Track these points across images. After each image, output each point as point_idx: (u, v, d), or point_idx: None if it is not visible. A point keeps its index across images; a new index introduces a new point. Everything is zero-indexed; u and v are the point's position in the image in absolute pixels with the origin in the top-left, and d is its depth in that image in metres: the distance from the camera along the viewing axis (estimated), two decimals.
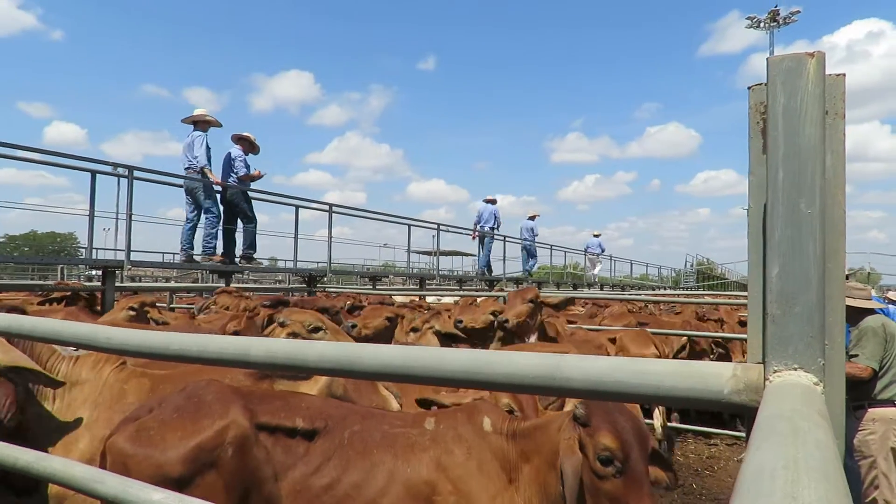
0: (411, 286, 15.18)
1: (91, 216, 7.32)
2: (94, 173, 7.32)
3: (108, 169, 7.57)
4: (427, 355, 1.03)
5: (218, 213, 8.79)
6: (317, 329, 3.40)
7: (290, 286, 11.27)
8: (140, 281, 17.05)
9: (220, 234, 8.88)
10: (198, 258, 8.87)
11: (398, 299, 9.22)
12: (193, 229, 8.76)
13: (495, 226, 16.16)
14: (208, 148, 8.61)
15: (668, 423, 7.10)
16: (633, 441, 1.95)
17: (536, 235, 18.51)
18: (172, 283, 14.93)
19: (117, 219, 7.68)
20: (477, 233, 15.83)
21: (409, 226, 13.46)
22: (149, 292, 7.90)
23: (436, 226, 14.69)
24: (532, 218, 18.63)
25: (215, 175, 8.81)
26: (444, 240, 15.10)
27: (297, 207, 10.32)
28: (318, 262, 11.83)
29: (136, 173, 7.46)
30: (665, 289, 28.53)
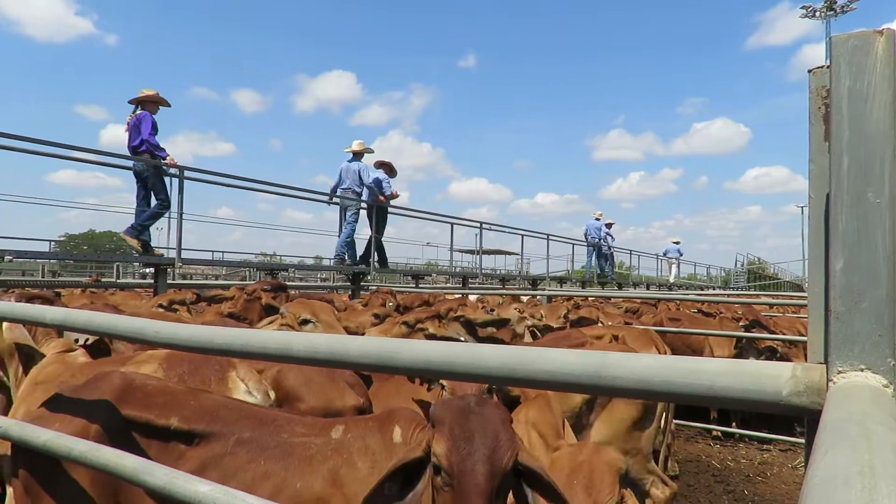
0: (454, 285, 15.19)
1: None
2: None
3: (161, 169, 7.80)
4: (468, 352, 1.01)
5: (354, 228, 10.57)
6: (306, 321, 3.35)
7: (335, 284, 11.41)
8: (191, 278, 17.57)
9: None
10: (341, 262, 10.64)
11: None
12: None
13: (600, 238, 19.44)
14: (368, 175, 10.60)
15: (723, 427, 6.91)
16: (469, 452, 1.62)
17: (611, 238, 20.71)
18: (221, 281, 15.33)
19: (169, 218, 7.90)
20: (588, 244, 19.23)
21: (452, 224, 13.45)
22: (200, 289, 8.13)
23: (478, 224, 14.66)
24: (598, 218, 20.35)
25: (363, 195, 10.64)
26: (486, 238, 15.07)
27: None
28: None
29: (186, 173, 7.68)
30: (714, 289, 27.78)
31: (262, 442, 1.90)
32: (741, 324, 6.93)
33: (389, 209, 11.32)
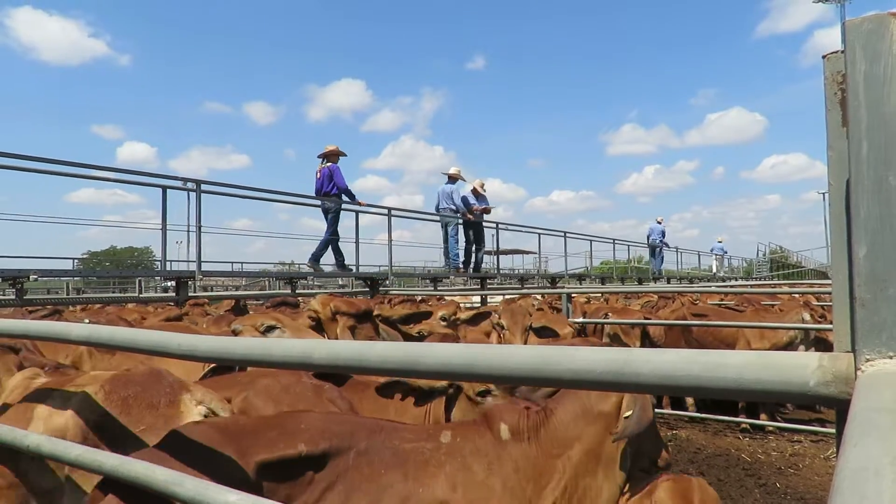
0: (473, 286, 15.17)
1: (164, 230, 7.65)
2: (164, 189, 7.65)
3: (178, 184, 7.88)
4: (490, 353, 1.01)
5: (468, 239, 12.89)
6: (271, 328, 3.12)
7: (354, 290, 11.45)
8: (211, 290, 17.66)
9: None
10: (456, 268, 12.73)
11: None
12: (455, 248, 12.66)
13: (663, 240, 22.21)
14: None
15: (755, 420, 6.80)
16: None
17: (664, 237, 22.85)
18: (241, 292, 15.46)
19: (188, 231, 7.99)
20: (649, 245, 22.04)
21: None
22: (217, 300, 8.23)
23: (494, 224, 14.63)
24: (659, 222, 22.86)
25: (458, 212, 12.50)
26: (503, 238, 15.07)
27: (357, 213, 10.49)
28: (379, 266, 11.99)
29: (203, 186, 7.76)
30: (736, 280, 27.43)
31: (378, 452, 1.87)
32: (801, 314, 6.76)
33: (401, 214, 11.83)
